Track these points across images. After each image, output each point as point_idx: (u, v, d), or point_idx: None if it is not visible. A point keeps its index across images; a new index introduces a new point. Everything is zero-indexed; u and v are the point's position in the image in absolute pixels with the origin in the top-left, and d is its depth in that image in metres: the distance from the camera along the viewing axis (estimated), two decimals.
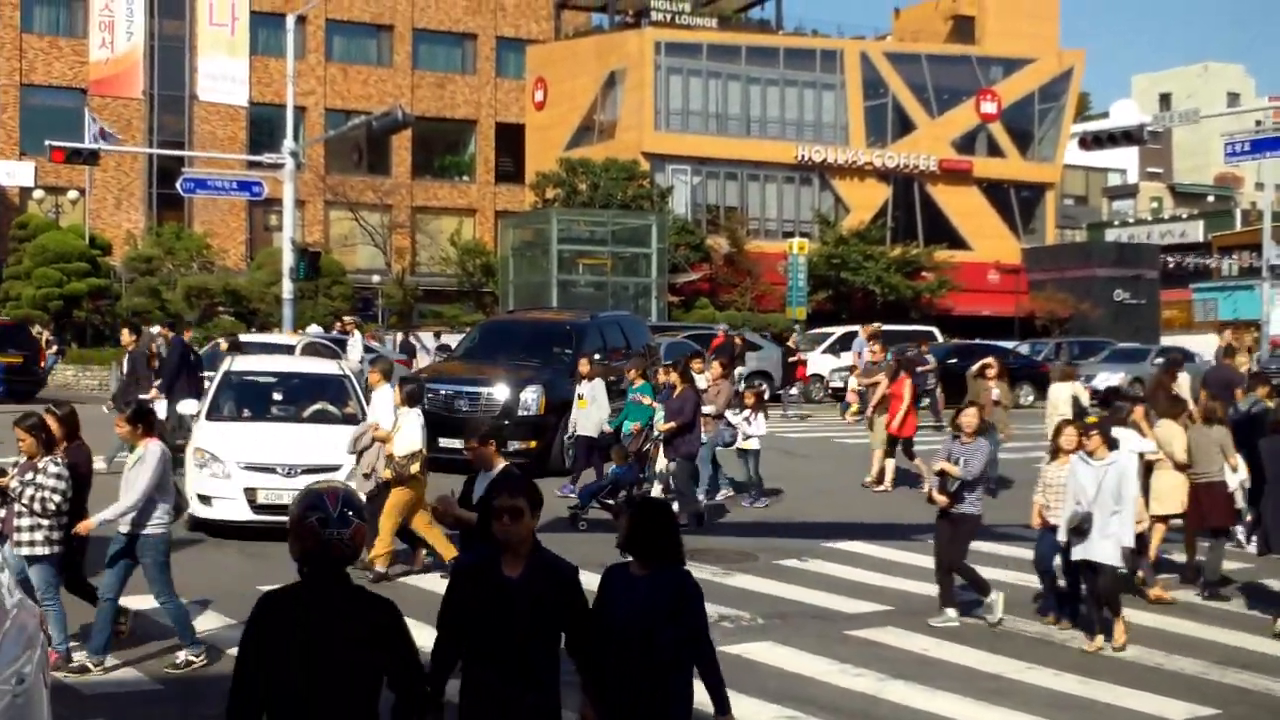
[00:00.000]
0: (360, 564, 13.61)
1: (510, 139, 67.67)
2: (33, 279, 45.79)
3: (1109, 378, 40.15)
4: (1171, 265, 70.71)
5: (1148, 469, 13.93)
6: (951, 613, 12.29)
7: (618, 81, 61.17)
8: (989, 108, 65.11)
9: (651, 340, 27.95)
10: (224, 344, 22.99)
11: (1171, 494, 14.11)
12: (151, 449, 10.35)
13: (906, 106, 63.93)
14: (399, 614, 5.31)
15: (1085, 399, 21.24)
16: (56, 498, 9.75)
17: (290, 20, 35.83)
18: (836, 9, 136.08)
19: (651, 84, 59.60)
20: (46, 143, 34.70)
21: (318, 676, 5.03)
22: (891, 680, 10.45)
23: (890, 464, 21.08)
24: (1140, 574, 13.60)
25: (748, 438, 19.17)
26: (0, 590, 6.45)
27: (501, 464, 9.75)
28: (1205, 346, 55.45)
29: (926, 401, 31.41)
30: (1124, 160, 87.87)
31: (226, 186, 38.15)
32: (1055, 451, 12.36)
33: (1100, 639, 11.50)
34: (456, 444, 19.36)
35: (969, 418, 12.38)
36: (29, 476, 9.81)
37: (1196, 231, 76.19)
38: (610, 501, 17.00)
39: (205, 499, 15.43)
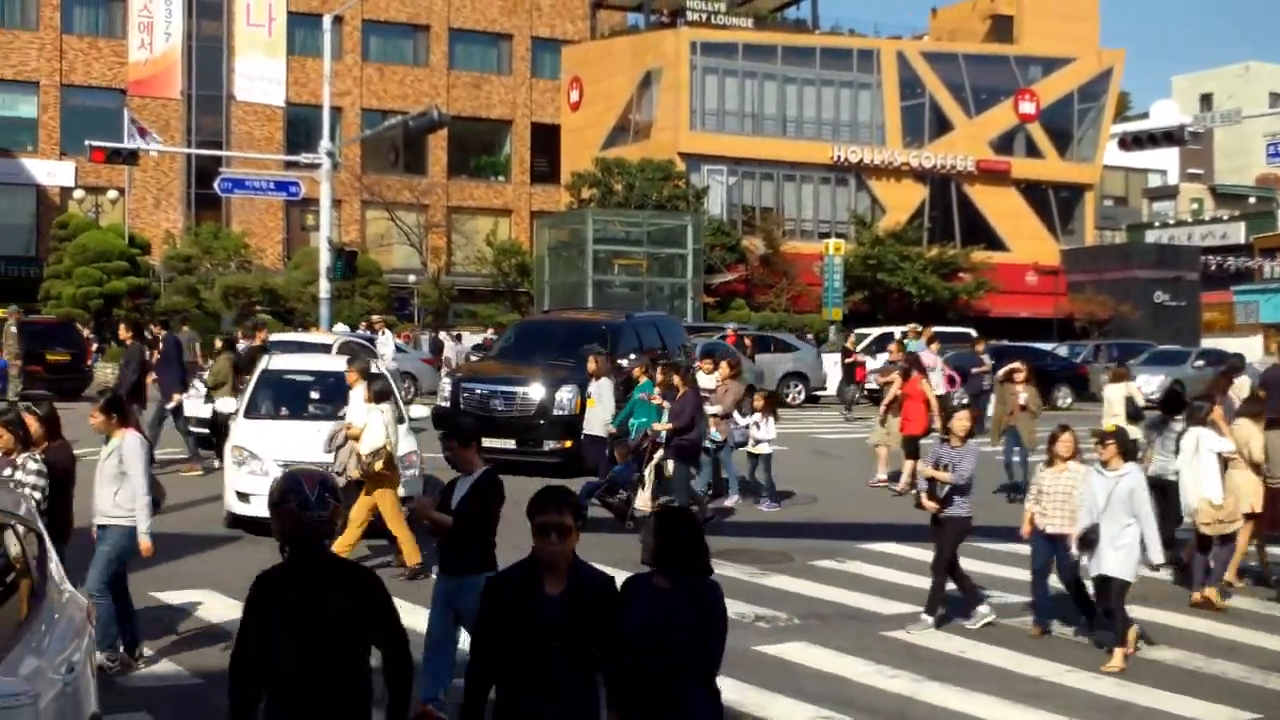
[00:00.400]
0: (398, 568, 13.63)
1: (546, 139, 67.79)
2: (73, 278, 46.13)
3: (1148, 380, 39.96)
4: (1212, 267, 70.15)
5: (1225, 467, 13.73)
6: (983, 609, 12.19)
7: (653, 81, 61.17)
8: (1027, 108, 64.83)
9: (687, 341, 27.89)
10: (218, 343, 23.16)
11: (1253, 493, 13.92)
12: (129, 438, 10.24)
13: (944, 106, 63.71)
14: (383, 585, 5.54)
15: (1140, 399, 21.45)
16: (36, 495, 9.61)
17: (327, 20, 35.95)
18: (873, 8, 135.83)
19: (687, 84, 59.58)
20: (86, 143, 34.97)
21: (307, 650, 5.22)
22: (928, 682, 10.39)
23: (909, 465, 20.86)
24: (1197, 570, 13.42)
25: (758, 442, 19.04)
26: (50, 582, 6.59)
27: (482, 467, 9.49)
28: (1246, 349, 55.11)
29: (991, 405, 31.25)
30: (1164, 161, 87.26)
31: (264, 186, 38.31)
32: (1052, 458, 12.05)
33: (1124, 649, 11.05)
34: (496, 444, 19.49)
35: (959, 422, 12.21)
36: (7, 473, 9.68)
37: (1238, 233, 75.60)
38: (611, 500, 17.05)
39: (243, 496, 15.47)
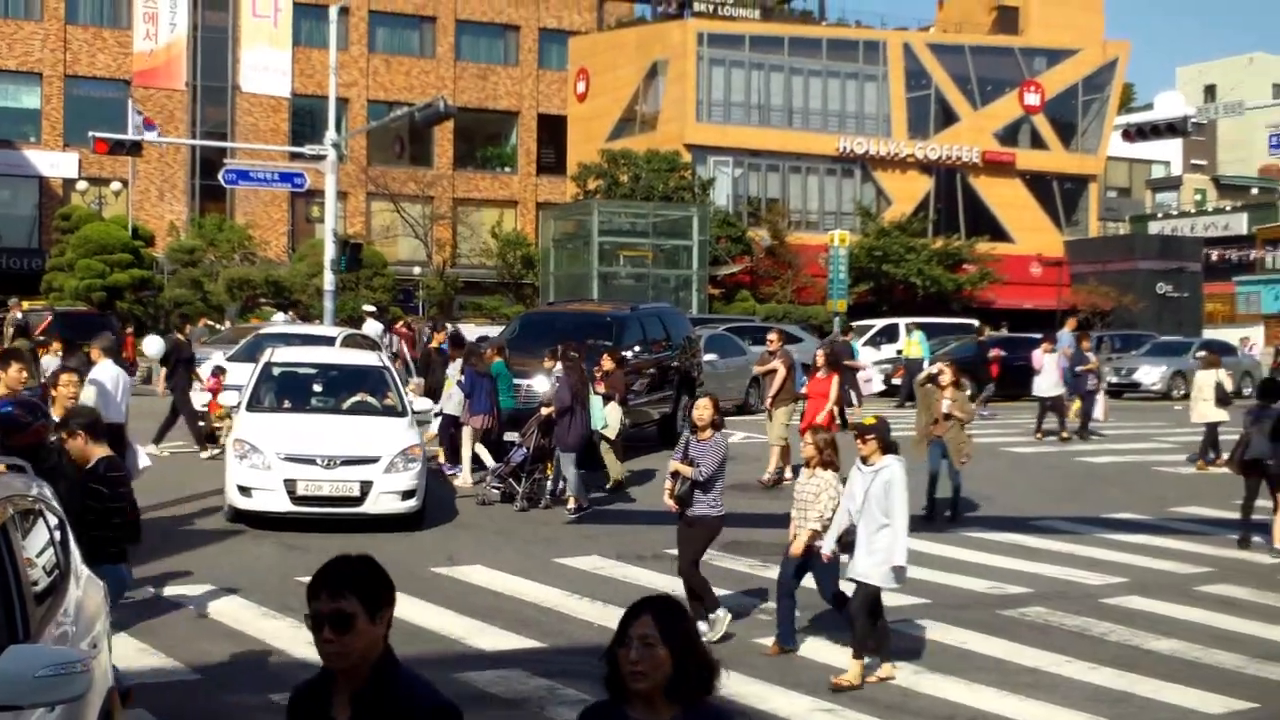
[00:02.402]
0: None
1: (552, 130, 67.79)
2: (76, 270, 46.13)
3: (1150, 370, 40.07)
4: (1215, 258, 70.15)
5: None
6: (720, 613, 11.28)
7: (660, 72, 61.16)
8: (1032, 99, 64.80)
9: (692, 333, 27.91)
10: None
11: None
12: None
13: (949, 98, 63.68)
14: None
15: (1229, 385, 23.06)
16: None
17: (333, 11, 35.92)
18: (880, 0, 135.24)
19: (694, 75, 59.56)
20: (90, 134, 34.95)
21: None
22: (928, 673, 10.43)
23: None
24: None
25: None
26: (73, 561, 6.87)
27: (100, 454, 9.01)
28: (1254, 340, 55.02)
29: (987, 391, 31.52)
30: (1168, 152, 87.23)
31: (268, 178, 38.28)
32: (806, 461, 11.14)
33: (889, 666, 10.36)
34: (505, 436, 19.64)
35: (701, 410, 11.29)
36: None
37: (1240, 224, 75.56)
38: (501, 485, 17.89)
39: (245, 490, 15.47)
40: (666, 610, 3.99)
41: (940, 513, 17.34)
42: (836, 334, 31.61)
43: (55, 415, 10.37)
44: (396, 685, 3.94)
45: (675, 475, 11.22)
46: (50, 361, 17.00)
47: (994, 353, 32.17)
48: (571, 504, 17.16)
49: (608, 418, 18.59)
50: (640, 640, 3.91)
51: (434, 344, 25.17)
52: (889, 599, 12.79)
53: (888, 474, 10.16)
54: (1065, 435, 27.05)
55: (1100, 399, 27.71)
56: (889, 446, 10.33)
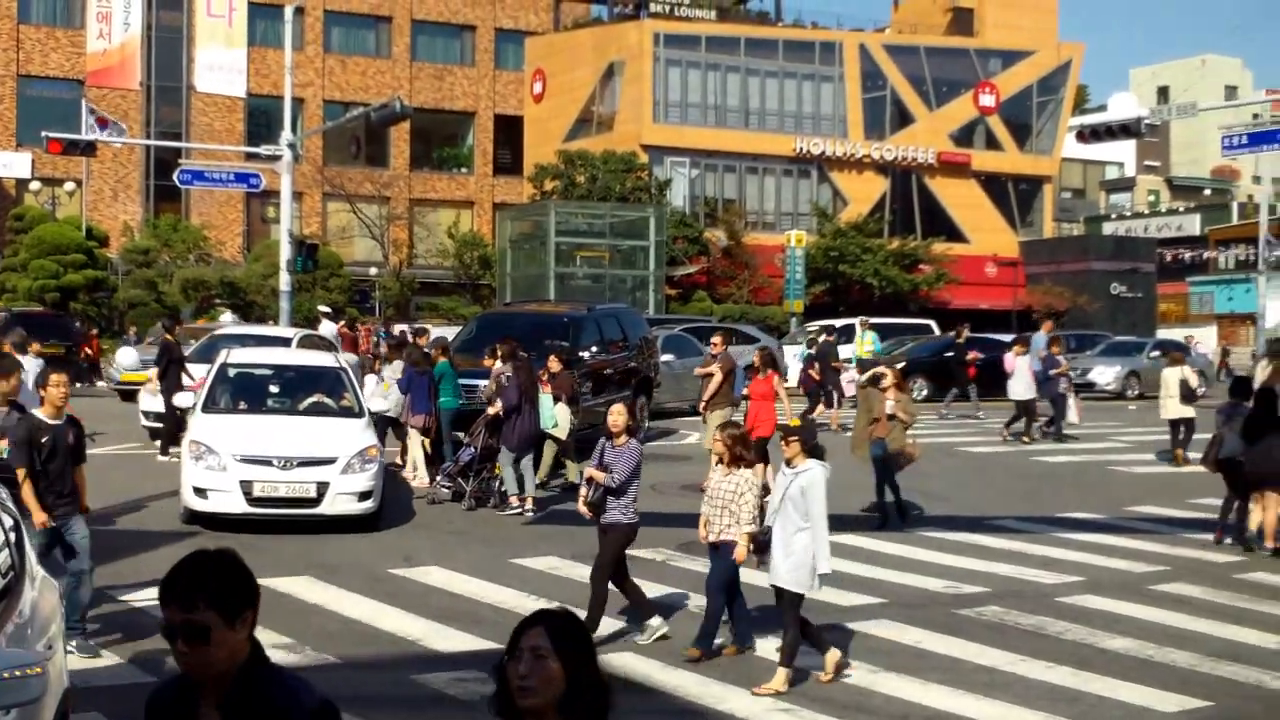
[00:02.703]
0: None
1: (509, 131, 67.70)
2: (29, 270, 45.80)
3: (1104, 370, 40.37)
4: (1168, 258, 70.76)
5: None
6: (655, 621, 11.21)
7: (616, 73, 61.17)
8: (987, 100, 65.15)
9: (649, 333, 27.95)
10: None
11: None
12: None
13: (905, 99, 63.95)
14: None
15: (1194, 382, 23.82)
16: None
17: (288, 11, 35.76)
18: (836, 0, 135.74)
19: (650, 76, 59.59)
20: (43, 134, 34.67)
21: None
22: (884, 673, 10.46)
23: (760, 468, 20.80)
24: None
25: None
26: (28, 563, 6.85)
27: None
28: (1202, 339, 55.56)
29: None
30: (1121, 153, 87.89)
31: (224, 178, 38.08)
32: (719, 459, 10.98)
33: (835, 654, 10.30)
34: (462, 435, 19.60)
35: (615, 417, 11.28)
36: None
37: (1193, 225, 76.26)
38: (458, 481, 18.04)
39: (201, 492, 15.39)
40: (562, 623, 3.68)
41: (891, 515, 17.20)
42: (820, 335, 31.69)
43: (44, 415, 10.46)
44: (269, 687, 3.62)
45: (589, 481, 11.21)
46: (31, 363, 16.85)
47: (971, 355, 32.30)
48: (514, 503, 17.22)
49: (557, 418, 18.62)
50: (531, 652, 3.58)
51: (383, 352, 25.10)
52: (843, 599, 12.86)
53: (806, 477, 10.00)
54: (1029, 438, 26.97)
55: (1072, 401, 27.80)
56: (813, 450, 10.21)
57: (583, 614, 9.96)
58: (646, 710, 9.37)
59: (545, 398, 18.35)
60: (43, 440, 10.25)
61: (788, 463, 10.18)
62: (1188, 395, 23.34)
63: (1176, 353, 25.63)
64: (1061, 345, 29.11)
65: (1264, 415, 15.51)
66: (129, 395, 30.62)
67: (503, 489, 17.62)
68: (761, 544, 10.29)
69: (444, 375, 19.97)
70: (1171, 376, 23.60)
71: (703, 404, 20.52)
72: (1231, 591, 13.71)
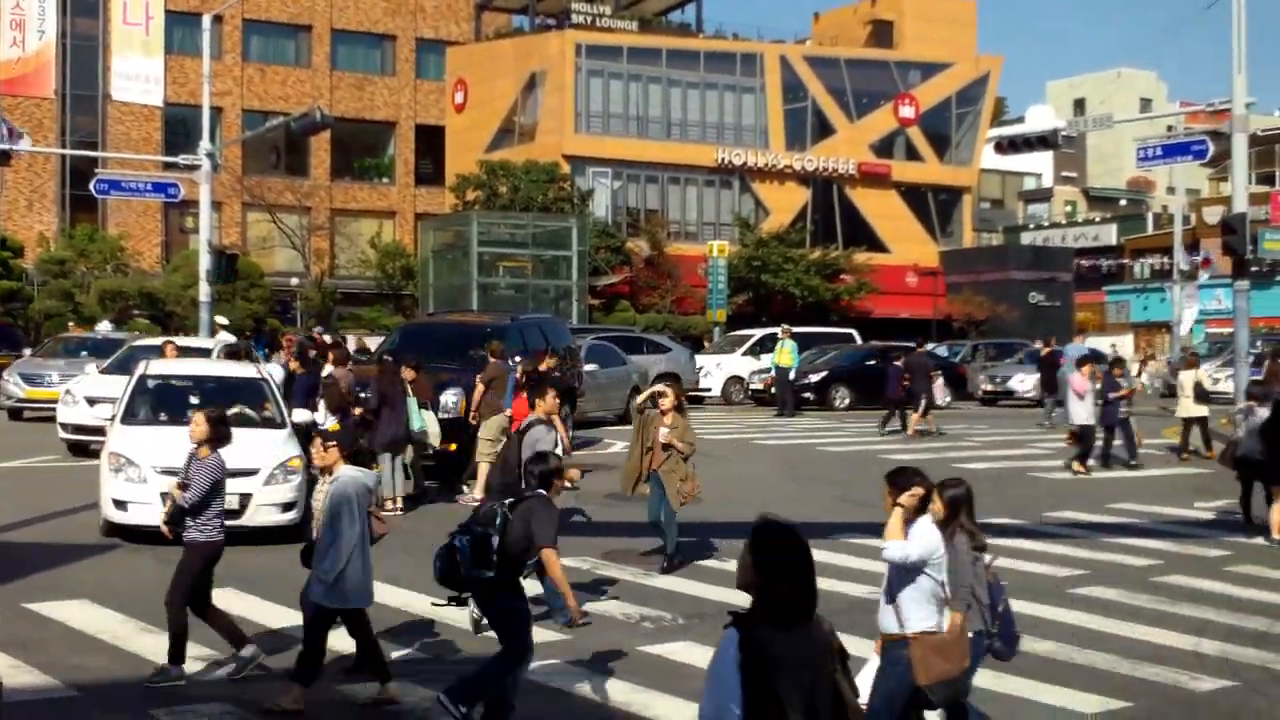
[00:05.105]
0: None
1: (430, 141, 67.49)
2: None
3: (1024, 379, 40.89)
4: (1085, 268, 71.74)
5: None
6: (249, 650, 10.33)
7: (538, 83, 61.12)
8: (907, 112, 65.71)
9: (572, 342, 27.95)
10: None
11: None
12: None
13: (826, 110, 64.37)
14: None
15: (1208, 384, 26.52)
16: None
17: (206, 20, 35.51)
18: (757, 12, 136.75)
19: (572, 86, 59.61)
20: None
21: None
22: None
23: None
24: None
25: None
26: None
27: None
28: (1119, 348, 56.26)
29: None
30: (1039, 164, 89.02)
31: (141, 188, 37.74)
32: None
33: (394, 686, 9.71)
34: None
35: (196, 428, 10.47)
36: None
37: (1109, 235, 77.31)
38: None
39: (121, 504, 15.23)
40: None
41: (668, 560, 14.71)
42: (918, 348, 33.14)
43: None
44: None
45: (165, 496, 10.59)
46: None
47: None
48: (388, 505, 17.51)
49: (425, 424, 18.93)
50: None
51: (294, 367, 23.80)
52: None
53: (333, 487, 9.51)
54: (1083, 469, 24.08)
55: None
56: (354, 456, 9.77)
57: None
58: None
59: (410, 400, 18.67)
60: None
61: (323, 471, 9.73)
62: (1201, 395, 25.45)
63: (1193, 355, 28.97)
64: (1123, 368, 26.58)
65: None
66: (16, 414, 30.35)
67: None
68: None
69: None
70: (1187, 379, 25.73)
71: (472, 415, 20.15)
72: (1151, 594, 13.89)
